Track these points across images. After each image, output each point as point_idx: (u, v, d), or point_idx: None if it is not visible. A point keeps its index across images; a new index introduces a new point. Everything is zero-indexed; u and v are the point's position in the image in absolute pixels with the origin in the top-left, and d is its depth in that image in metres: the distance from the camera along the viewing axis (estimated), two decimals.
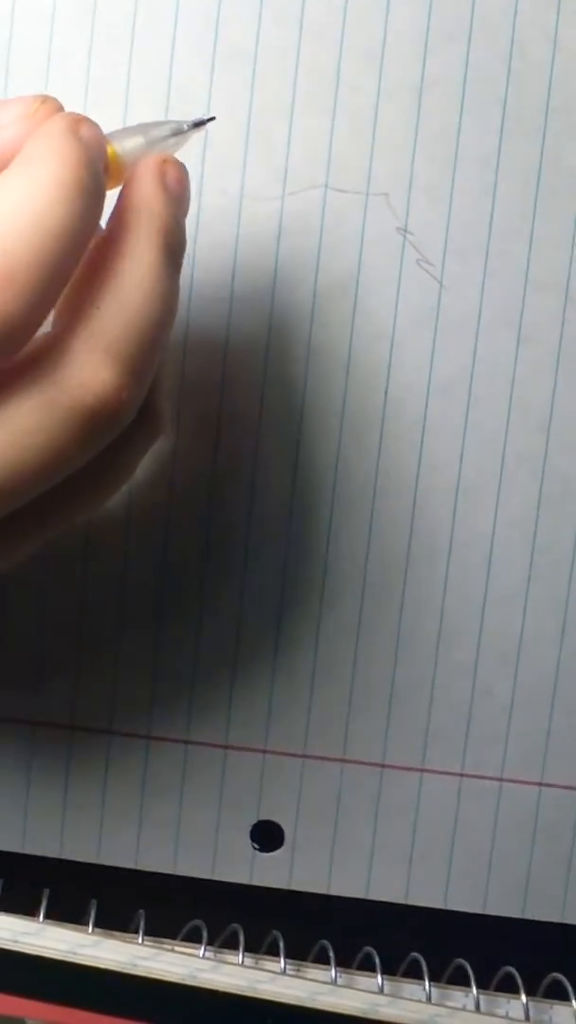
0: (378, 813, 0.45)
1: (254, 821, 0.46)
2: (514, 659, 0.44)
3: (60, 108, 0.32)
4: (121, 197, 0.34)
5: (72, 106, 0.41)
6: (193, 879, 0.46)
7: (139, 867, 0.46)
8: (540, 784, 0.45)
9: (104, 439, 0.32)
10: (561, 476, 0.43)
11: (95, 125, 0.32)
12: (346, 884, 0.46)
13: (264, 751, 0.45)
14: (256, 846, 0.46)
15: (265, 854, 0.46)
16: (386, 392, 0.43)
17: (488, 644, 0.44)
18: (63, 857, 0.46)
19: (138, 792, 0.46)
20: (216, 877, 0.46)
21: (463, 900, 0.46)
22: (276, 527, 0.44)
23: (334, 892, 0.46)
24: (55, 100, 0.33)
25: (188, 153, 0.42)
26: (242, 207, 0.43)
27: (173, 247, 0.33)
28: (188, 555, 0.44)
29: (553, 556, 0.44)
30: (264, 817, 0.46)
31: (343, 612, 0.44)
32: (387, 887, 0.46)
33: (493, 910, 0.46)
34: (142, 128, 0.34)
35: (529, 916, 0.45)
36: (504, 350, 0.43)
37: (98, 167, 0.31)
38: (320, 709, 0.45)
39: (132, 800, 0.46)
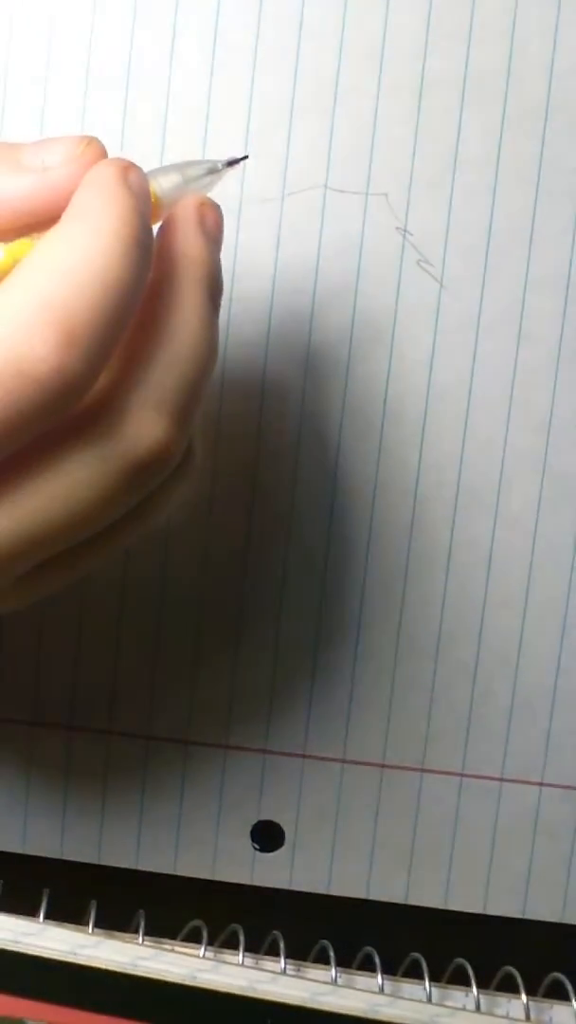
0: (378, 813, 0.45)
1: (254, 821, 0.46)
2: (514, 659, 0.44)
3: (104, 150, 0.32)
4: (162, 242, 0.33)
5: (71, 106, 0.41)
6: (193, 879, 0.46)
7: (139, 867, 0.46)
8: (540, 784, 0.45)
9: (150, 488, 0.32)
10: (561, 476, 0.43)
11: (141, 171, 0.32)
12: (346, 884, 0.46)
13: (264, 751, 0.45)
14: (256, 846, 0.46)
15: (265, 854, 0.46)
16: (386, 392, 0.43)
17: (488, 644, 0.44)
18: (63, 858, 0.46)
19: (138, 792, 0.46)
20: (216, 877, 0.46)
21: (463, 900, 0.46)
22: (276, 528, 0.44)
23: (334, 892, 0.46)
24: (99, 142, 0.32)
25: (187, 157, 0.42)
26: (242, 208, 0.42)
27: (214, 292, 0.33)
28: (189, 556, 0.44)
29: (553, 556, 0.44)
30: (264, 817, 0.46)
31: (343, 612, 0.44)
32: (387, 887, 0.46)
33: (493, 910, 0.46)
34: (178, 167, 0.34)
35: (529, 916, 0.45)
36: (504, 350, 0.43)
37: (148, 216, 0.31)
38: (320, 709, 0.45)
39: (132, 800, 0.46)
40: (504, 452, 0.43)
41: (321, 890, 0.46)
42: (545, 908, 0.45)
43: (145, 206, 0.31)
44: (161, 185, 0.34)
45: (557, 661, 0.44)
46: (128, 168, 0.32)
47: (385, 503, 0.44)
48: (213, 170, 0.35)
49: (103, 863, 0.46)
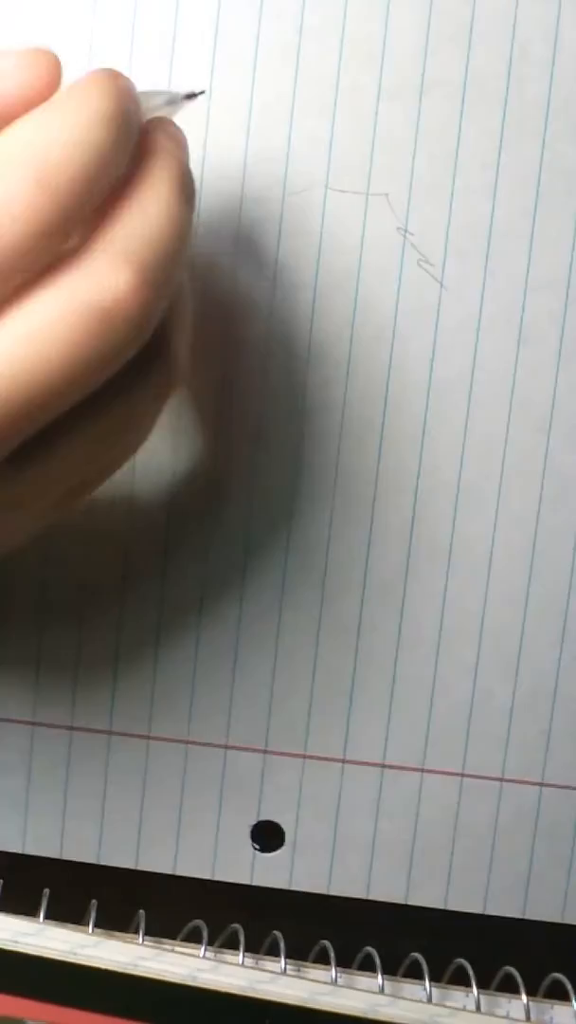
0: (379, 813, 0.45)
1: (254, 821, 0.46)
2: (515, 659, 0.44)
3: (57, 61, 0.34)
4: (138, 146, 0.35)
5: None
6: (193, 879, 0.46)
7: (139, 867, 0.46)
8: (541, 784, 0.45)
9: (122, 348, 0.33)
10: (562, 476, 0.43)
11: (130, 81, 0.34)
12: (346, 885, 0.46)
13: (264, 751, 0.45)
14: (256, 846, 0.46)
15: (266, 854, 0.46)
16: (386, 392, 0.43)
17: (489, 644, 0.44)
18: (63, 858, 0.46)
19: (138, 793, 0.46)
20: (217, 877, 0.46)
21: (463, 900, 0.46)
22: (277, 527, 0.44)
23: (334, 892, 0.46)
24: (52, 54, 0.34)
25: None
26: (242, 209, 0.43)
27: (186, 184, 0.35)
28: (188, 556, 0.44)
29: (554, 556, 0.44)
30: (264, 817, 0.46)
31: (344, 612, 0.44)
32: (387, 887, 0.46)
33: (493, 910, 0.46)
34: (142, 96, 0.35)
35: (530, 916, 0.45)
36: (504, 350, 0.43)
37: (132, 108, 0.33)
38: (321, 709, 0.45)
39: (132, 800, 0.46)
40: (504, 451, 0.43)
41: (321, 890, 0.46)
42: (545, 908, 0.45)
43: (132, 98, 0.33)
44: None
45: (558, 661, 0.44)
46: (118, 73, 0.34)
47: (385, 502, 0.44)
48: (172, 101, 0.36)
49: (103, 863, 0.46)
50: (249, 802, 0.46)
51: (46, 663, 0.45)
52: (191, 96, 0.36)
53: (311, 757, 0.45)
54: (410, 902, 0.46)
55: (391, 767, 0.45)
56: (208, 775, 0.45)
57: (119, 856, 0.46)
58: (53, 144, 0.31)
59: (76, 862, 0.46)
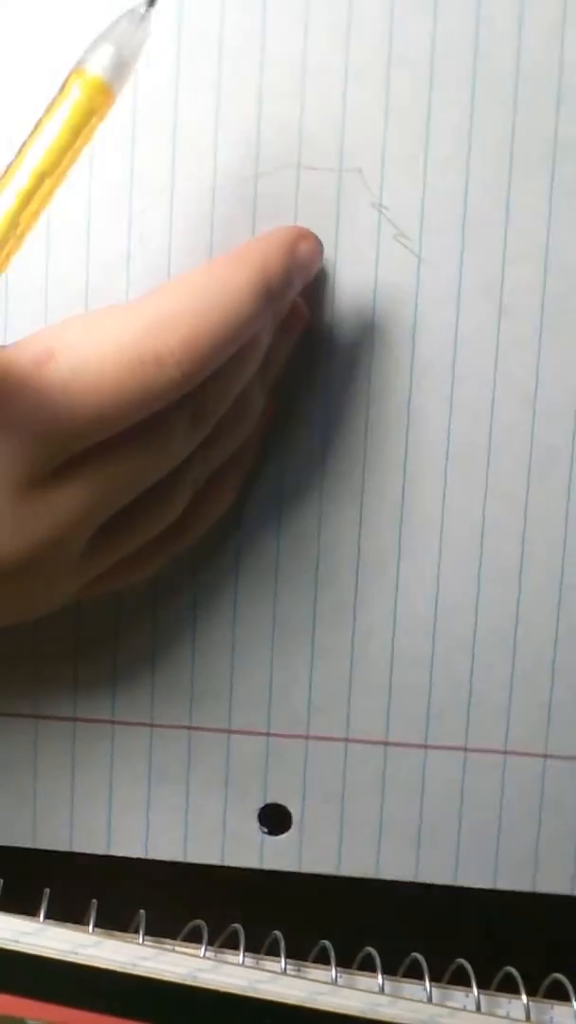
0: (384, 791, 0.45)
1: (261, 805, 0.46)
2: (512, 632, 0.44)
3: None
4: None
5: (36, 97, 0.41)
6: (193, 878, 0.46)
7: (149, 856, 0.46)
8: (544, 755, 0.45)
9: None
10: (548, 447, 0.43)
11: (315, 241, 0.40)
12: (356, 864, 0.46)
13: (267, 734, 0.45)
14: (264, 830, 0.46)
15: (274, 837, 0.46)
16: (369, 368, 0.43)
17: (485, 618, 0.44)
18: (73, 850, 0.46)
19: (144, 781, 0.46)
20: (226, 863, 0.46)
21: (473, 876, 0.46)
22: (267, 510, 0.44)
23: (344, 873, 0.46)
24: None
25: (158, 142, 0.42)
26: (216, 192, 0.42)
27: (272, 291, 0.37)
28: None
29: (545, 527, 0.44)
30: (271, 800, 0.46)
31: (339, 591, 0.44)
32: (397, 866, 0.46)
33: (504, 884, 0.45)
34: (106, 36, 0.33)
35: (540, 889, 0.45)
36: (485, 322, 0.43)
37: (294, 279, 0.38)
38: (321, 689, 0.45)
39: (138, 789, 0.46)
40: (491, 425, 0.43)
41: (331, 871, 0.46)
42: (555, 881, 0.45)
43: (305, 271, 0.39)
44: (102, 64, 0.33)
45: (555, 632, 0.44)
46: (303, 234, 0.39)
47: (374, 481, 0.44)
48: (138, 18, 0.34)
49: (112, 854, 0.46)
50: (255, 786, 0.46)
51: (46, 656, 0.45)
52: (152, 2, 0.34)
53: (314, 738, 0.45)
54: (420, 879, 0.46)
55: (394, 744, 0.45)
56: (212, 761, 0.45)
57: (128, 847, 0.46)
58: (206, 322, 0.35)
59: (76, 862, 0.46)
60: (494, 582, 0.44)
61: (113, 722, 0.45)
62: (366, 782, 0.45)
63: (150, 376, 0.34)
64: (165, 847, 0.46)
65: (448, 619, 0.44)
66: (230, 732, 0.45)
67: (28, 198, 0.32)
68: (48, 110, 0.33)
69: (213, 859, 0.46)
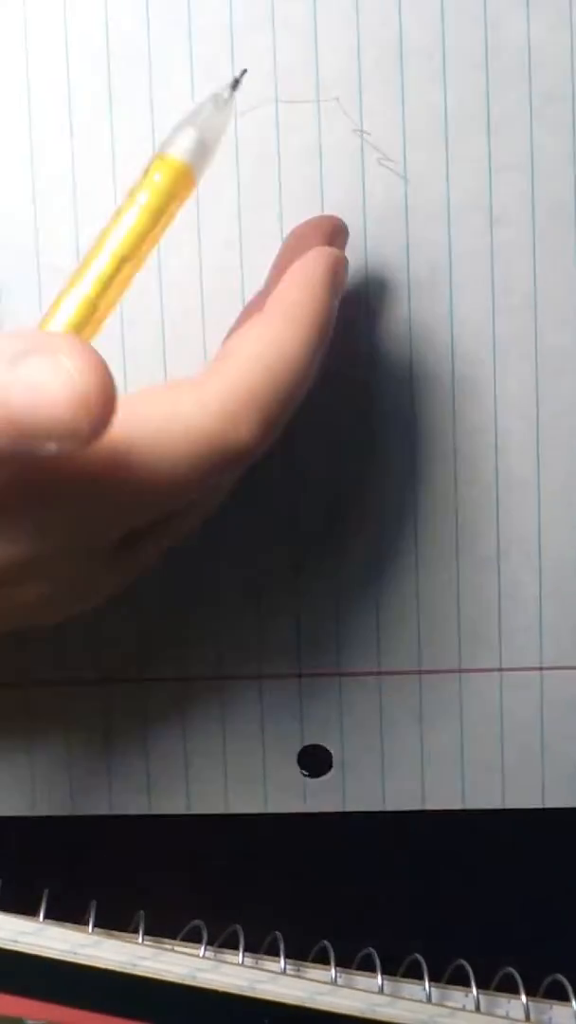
0: (422, 720, 0.45)
1: (300, 747, 0.45)
2: (536, 546, 0.44)
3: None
4: (292, 277, 0.36)
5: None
6: (193, 878, 0.47)
7: (190, 811, 0.46)
8: None
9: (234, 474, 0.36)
10: (554, 352, 0.43)
11: (346, 263, 0.37)
12: (400, 798, 0.45)
13: (299, 675, 0.45)
14: (305, 772, 0.45)
15: (315, 779, 0.45)
16: (367, 293, 0.43)
17: (508, 535, 0.44)
18: (113, 812, 0.46)
19: (179, 736, 0.45)
20: (269, 810, 0.45)
21: (520, 797, 0.45)
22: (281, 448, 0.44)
23: (389, 808, 0.45)
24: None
25: (135, 94, 0.42)
26: None
27: (328, 328, 0.36)
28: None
29: (557, 434, 0.43)
30: (309, 742, 0.45)
31: (360, 525, 0.44)
32: (442, 795, 0.45)
33: (552, 803, 0.45)
34: (189, 121, 0.35)
35: None
36: (478, 235, 0.43)
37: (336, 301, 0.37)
38: (349, 624, 0.44)
39: (175, 745, 0.45)
40: (494, 337, 0.43)
41: (376, 807, 0.45)
42: None
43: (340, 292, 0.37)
44: (184, 148, 0.34)
45: None
46: (338, 264, 0.37)
47: (382, 404, 0.43)
48: (221, 102, 0.35)
49: (153, 812, 0.46)
50: (291, 729, 0.45)
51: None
52: (236, 84, 0.35)
53: (346, 674, 0.45)
54: (467, 807, 0.45)
55: (428, 672, 0.45)
56: (246, 708, 0.45)
57: (169, 803, 0.46)
58: (276, 388, 0.34)
59: (75, 863, 0.46)
60: (512, 497, 0.44)
61: (142, 680, 0.45)
62: (403, 713, 0.45)
63: (227, 460, 0.33)
64: (206, 801, 0.45)
65: (470, 540, 0.44)
66: (261, 677, 0.45)
67: (107, 283, 0.33)
68: (130, 194, 0.33)
69: (256, 807, 0.45)
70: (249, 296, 0.42)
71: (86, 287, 0.32)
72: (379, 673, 0.45)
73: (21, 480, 0.31)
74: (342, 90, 0.42)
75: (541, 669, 0.45)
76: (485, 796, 0.45)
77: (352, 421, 0.44)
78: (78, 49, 0.42)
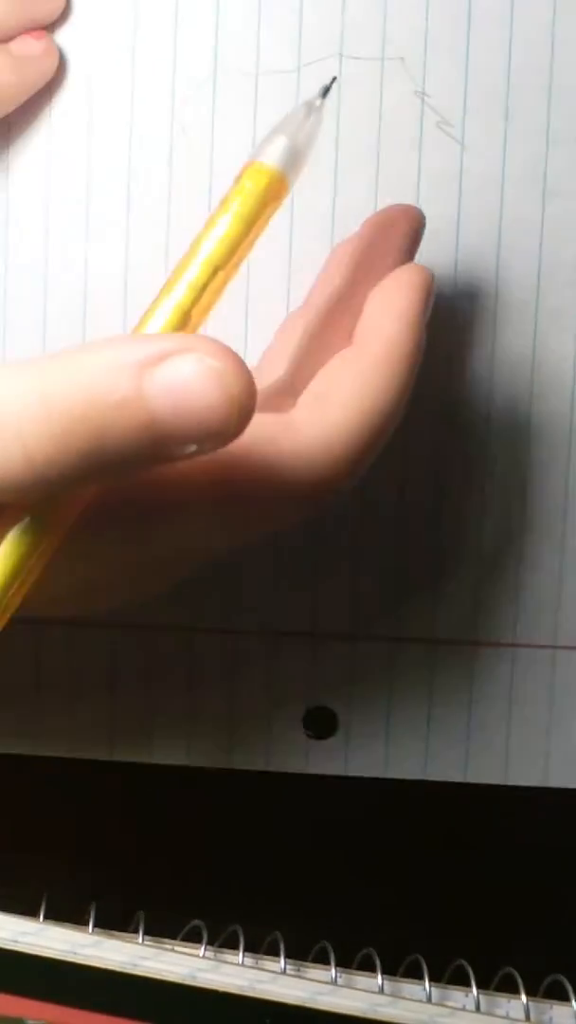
0: (432, 690, 0.45)
1: (306, 708, 0.45)
2: (560, 525, 0.44)
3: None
4: (387, 306, 0.35)
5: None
6: (193, 878, 0.46)
7: (191, 763, 0.45)
8: None
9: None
10: None
11: (433, 282, 0.36)
12: (403, 766, 0.45)
13: (312, 634, 0.44)
14: (310, 733, 0.45)
15: (320, 741, 0.45)
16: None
17: (532, 513, 0.44)
18: (114, 759, 0.45)
19: (184, 688, 0.45)
20: (271, 768, 0.45)
21: (523, 773, 0.45)
22: None
23: (391, 775, 0.45)
24: None
25: (201, 31, 0.42)
26: (258, 81, 0.42)
27: (418, 361, 0.36)
28: None
29: None
30: (316, 703, 0.45)
31: (378, 490, 0.44)
32: (445, 767, 0.45)
33: (555, 782, 0.45)
34: (280, 130, 0.34)
35: None
36: (530, 206, 0.43)
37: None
38: (366, 588, 0.44)
39: (180, 697, 0.45)
40: (536, 311, 0.43)
41: (378, 774, 0.45)
42: None
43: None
44: (276, 156, 0.33)
45: None
46: (432, 289, 0.36)
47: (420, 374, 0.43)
48: (312, 109, 0.35)
49: (156, 762, 0.45)
50: (299, 689, 0.45)
51: None
52: (326, 92, 0.35)
53: (360, 638, 0.45)
54: (469, 779, 0.45)
55: (441, 642, 0.44)
56: (255, 664, 0.45)
57: (170, 755, 0.45)
58: (374, 432, 0.34)
59: (74, 862, 0.46)
60: (541, 474, 0.44)
61: (155, 627, 0.45)
62: (413, 682, 0.45)
63: (320, 503, 0.34)
64: (209, 755, 0.45)
65: (494, 515, 0.44)
66: (273, 634, 0.45)
67: (200, 291, 0.32)
68: (223, 202, 0.33)
69: (258, 765, 0.45)
70: (302, 258, 0.42)
71: (179, 294, 0.32)
72: (394, 639, 0.44)
73: (145, 489, 0.32)
74: (407, 50, 0.42)
75: (555, 647, 0.44)
76: (487, 771, 0.45)
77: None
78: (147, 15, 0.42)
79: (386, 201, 0.42)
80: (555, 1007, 0.41)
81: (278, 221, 0.42)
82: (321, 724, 0.45)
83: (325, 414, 0.33)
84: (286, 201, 0.42)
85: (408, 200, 0.42)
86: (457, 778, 0.45)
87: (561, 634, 0.44)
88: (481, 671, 0.45)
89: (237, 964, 0.40)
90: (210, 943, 0.41)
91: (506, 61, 0.42)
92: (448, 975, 0.42)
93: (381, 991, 0.41)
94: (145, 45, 0.42)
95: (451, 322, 0.43)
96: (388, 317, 0.35)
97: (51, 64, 0.41)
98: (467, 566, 0.44)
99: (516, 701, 0.45)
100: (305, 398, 0.34)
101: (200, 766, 0.45)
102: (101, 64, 0.42)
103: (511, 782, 0.45)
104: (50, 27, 0.42)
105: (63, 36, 0.42)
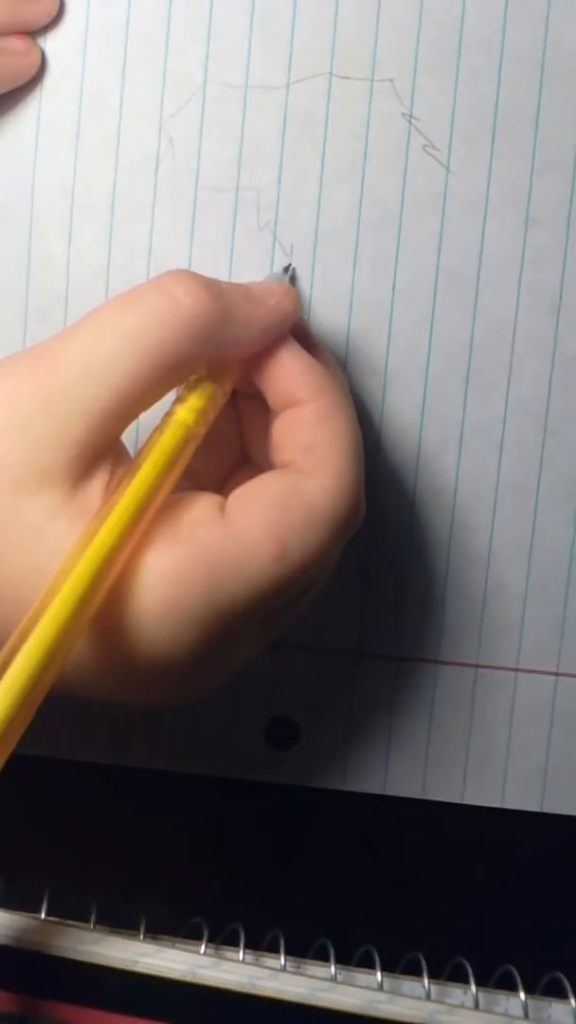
0: (393, 707, 0.45)
1: (269, 718, 0.45)
2: (527, 548, 0.44)
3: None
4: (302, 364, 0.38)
5: None
6: (193, 878, 0.47)
7: (153, 766, 0.46)
8: (556, 674, 0.45)
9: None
10: (571, 359, 0.43)
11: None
12: (362, 780, 0.45)
13: (276, 645, 0.45)
14: (271, 743, 0.45)
15: (280, 751, 0.45)
16: (395, 277, 0.43)
17: (501, 533, 0.44)
18: (75, 759, 0.46)
19: None
20: (232, 774, 0.46)
21: (480, 794, 0.45)
22: None
23: (348, 788, 0.45)
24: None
25: (191, 45, 0.42)
26: (247, 97, 0.43)
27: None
28: None
29: (565, 440, 0.44)
30: (278, 713, 0.45)
31: None
32: (404, 783, 0.45)
33: (511, 804, 0.45)
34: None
35: (547, 809, 0.45)
36: (512, 233, 0.43)
37: None
38: (334, 603, 0.45)
39: None
40: (514, 335, 0.43)
41: (336, 786, 0.45)
42: (562, 801, 0.45)
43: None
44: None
45: (571, 548, 0.44)
46: (291, 321, 0.39)
47: (394, 390, 0.44)
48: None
49: (118, 763, 0.46)
50: (262, 699, 0.45)
51: None
52: (287, 269, 0.42)
53: (325, 651, 0.45)
54: (427, 797, 0.45)
55: (405, 659, 0.45)
56: None
57: (135, 757, 0.46)
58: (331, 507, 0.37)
59: (74, 862, 0.46)
60: (511, 497, 0.44)
61: None
62: (375, 697, 0.45)
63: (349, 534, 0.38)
64: (169, 758, 0.46)
65: (463, 535, 0.44)
66: None
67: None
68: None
69: (218, 770, 0.46)
70: (278, 254, 0.42)
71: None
72: (358, 654, 0.45)
73: None
74: (397, 72, 0.42)
75: (516, 670, 0.45)
76: (446, 789, 0.45)
77: (362, 400, 0.44)
78: (140, 21, 0.42)
79: (369, 218, 0.43)
80: (554, 1004, 0.42)
81: (259, 240, 0.42)
82: (283, 735, 0.45)
83: (328, 463, 0.37)
84: (269, 218, 0.43)
85: (391, 220, 0.43)
86: (415, 795, 0.45)
87: (523, 657, 0.45)
88: (443, 689, 0.45)
89: (237, 961, 0.41)
90: (210, 940, 0.42)
91: (495, 88, 0.42)
92: (447, 972, 0.42)
93: (380, 988, 0.41)
94: (135, 57, 0.42)
95: (425, 345, 0.43)
96: (308, 369, 0.38)
97: (31, 62, 0.42)
98: (431, 586, 0.44)
99: (476, 722, 0.45)
100: (294, 455, 0.37)
101: (160, 768, 0.46)
102: (90, 74, 0.42)
103: (467, 801, 0.45)
104: (40, 35, 0.42)
105: (53, 46, 0.42)
